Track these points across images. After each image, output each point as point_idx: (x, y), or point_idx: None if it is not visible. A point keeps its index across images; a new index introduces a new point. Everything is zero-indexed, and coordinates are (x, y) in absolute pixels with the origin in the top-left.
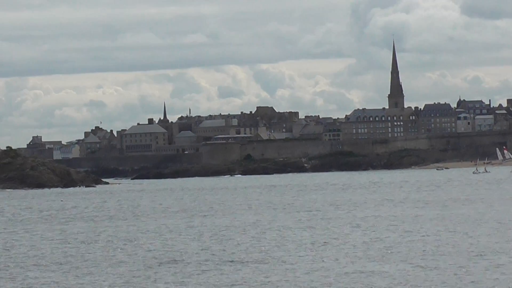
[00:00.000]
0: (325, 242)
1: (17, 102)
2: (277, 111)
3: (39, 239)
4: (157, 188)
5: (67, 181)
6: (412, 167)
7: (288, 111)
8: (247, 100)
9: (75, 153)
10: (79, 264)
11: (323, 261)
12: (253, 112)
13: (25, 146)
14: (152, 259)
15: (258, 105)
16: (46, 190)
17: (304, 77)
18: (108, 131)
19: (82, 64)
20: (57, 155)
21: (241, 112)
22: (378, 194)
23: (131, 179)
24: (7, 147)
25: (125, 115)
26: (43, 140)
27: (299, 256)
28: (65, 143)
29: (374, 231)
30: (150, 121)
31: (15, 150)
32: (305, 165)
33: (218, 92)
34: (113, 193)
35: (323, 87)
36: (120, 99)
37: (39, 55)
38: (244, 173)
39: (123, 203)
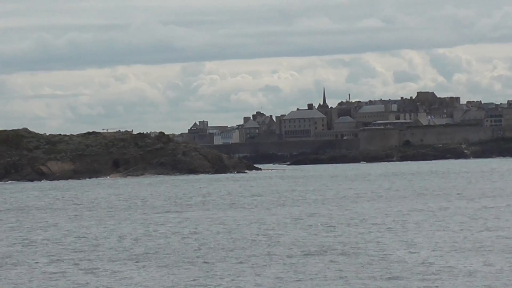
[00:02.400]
0: None
1: (194, 87)
2: (454, 96)
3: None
4: (313, 175)
5: (218, 167)
6: None
7: (465, 96)
8: (423, 84)
9: (235, 138)
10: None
11: None
12: (413, 98)
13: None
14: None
15: (435, 90)
16: (197, 176)
17: (481, 62)
18: (268, 116)
19: (257, 49)
20: (217, 140)
21: (401, 98)
22: None
23: (288, 164)
24: (159, 132)
25: (300, 99)
26: (210, 125)
27: None
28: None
29: None
30: (310, 106)
31: (167, 135)
32: (465, 151)
33: (394, 77)
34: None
35: (501, 71)
36: (295, 84)
37: (215, 40)
38: (402, 159)
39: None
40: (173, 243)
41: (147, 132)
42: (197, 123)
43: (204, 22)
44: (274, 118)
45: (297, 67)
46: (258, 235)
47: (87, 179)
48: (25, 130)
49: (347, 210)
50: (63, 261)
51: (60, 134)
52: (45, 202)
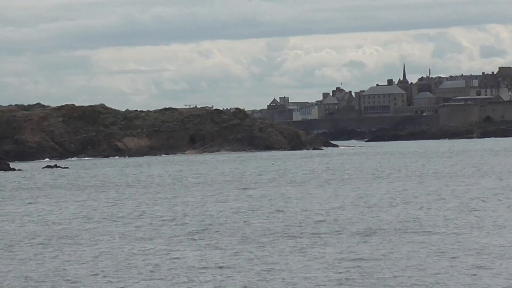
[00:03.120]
0: None
1: (278, 62)
2: None
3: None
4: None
5: (295, 143)
6: None
7: None
8: (510, 59)
9: (314, 114)
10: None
11: None
12: (494, 73)
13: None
14: None
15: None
16: (272, 152)
17: None
18: (347, 92)
19: (342, 24)
20: (296, 116)
21: (482, 73)
22: None
23: (366, 141)
24: (236, 108)
25: (385, 75)
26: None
27: None
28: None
29: None
30: (389, 82)
31: (244, 111)
32: None
33: (480, 52)
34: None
35: None
36: (380, 59)
37: (299, 15)
38: (483, 135)
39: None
40: (228, 221)
41: (228, 108)
42: (277, 99)
43: None
44: (353, 94)
45: (382, 42)
46: (318, 214)
47: (163, 155)
48: (102, 106)
49: (408, 188)
50: (113, 239)
51: (136, 110)
52: (107, 179)
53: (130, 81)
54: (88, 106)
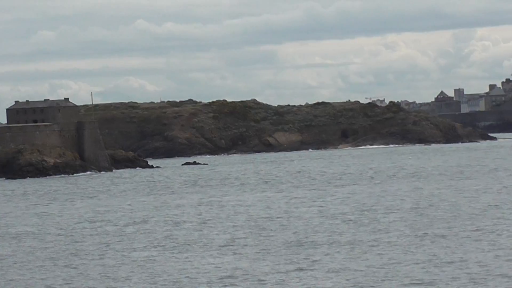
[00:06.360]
0: None
1: (465, 54)
2: None
3: None
4: None
5: (450, 136)
6: None
7: None
8: None
9: (482, 106)
10: None
11: None
12: None
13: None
14: None
15: None
16: (425, 146)
17: None
18: None
19: None
20: (464, 109)
21: None
22: None
23: None
24: (389, 101)
25: None
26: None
27: None
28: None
29: None
30: None
31: (398, 104)
32: None
33: None
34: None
35: None
36: None
37: (486, 6)
38: None
39: None
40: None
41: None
42: (443, 91)
43: None
44: None
45: None
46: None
47: (315, 150)
48: (254, 101)
49: None
50: (155, 250)
51: (288, 105)
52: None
53: (316, 74)
54: (239, 102)
